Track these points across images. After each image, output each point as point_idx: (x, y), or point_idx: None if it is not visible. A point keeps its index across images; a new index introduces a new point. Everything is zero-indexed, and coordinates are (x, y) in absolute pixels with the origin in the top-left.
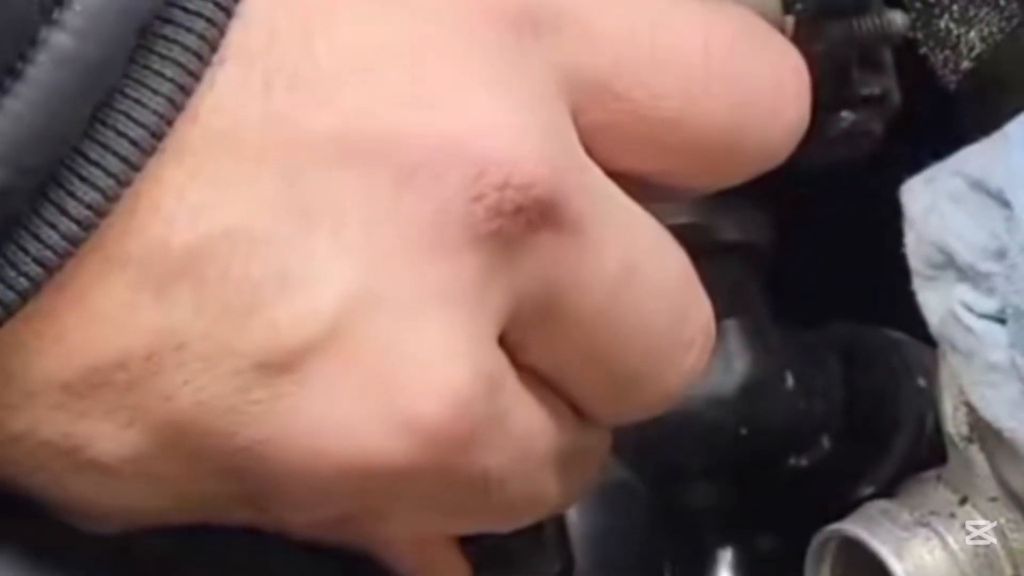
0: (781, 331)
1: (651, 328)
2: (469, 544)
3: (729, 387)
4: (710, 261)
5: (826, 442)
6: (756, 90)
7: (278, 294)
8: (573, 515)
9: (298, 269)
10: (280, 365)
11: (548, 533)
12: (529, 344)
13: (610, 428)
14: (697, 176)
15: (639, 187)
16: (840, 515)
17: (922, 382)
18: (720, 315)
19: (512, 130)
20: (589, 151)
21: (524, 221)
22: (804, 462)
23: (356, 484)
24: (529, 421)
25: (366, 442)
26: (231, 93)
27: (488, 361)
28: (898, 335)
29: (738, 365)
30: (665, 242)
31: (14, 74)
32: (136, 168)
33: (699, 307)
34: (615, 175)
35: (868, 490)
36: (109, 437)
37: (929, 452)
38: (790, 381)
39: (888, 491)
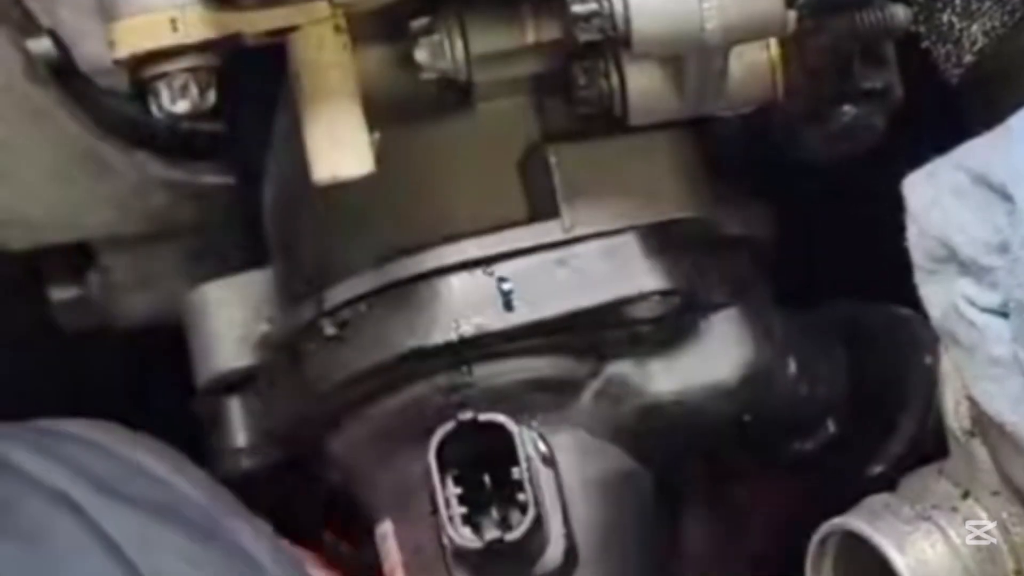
0: (784, 314)
1: None
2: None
3: (732, 376)
4: (713, 252)
5: (831, 425)
6: None
7: None
8: (578, 505)
9: None
10: None
11: (551, 524)
12: None
13: None
14: None
15: None
16: (844, 508)
17: (928, 359)
18: (723, 303)
19: None
20: None
21: None
22: (809, 446)
23: None
24: None
25: None
26: None
27: None
28: (904, 311)
29: (740, 353)
30: None
31: None
32: None
33: None
34: None
35: (877, 468)
36: None
37: (932, 445)
38: (792, 367)
39: (896, 471)
